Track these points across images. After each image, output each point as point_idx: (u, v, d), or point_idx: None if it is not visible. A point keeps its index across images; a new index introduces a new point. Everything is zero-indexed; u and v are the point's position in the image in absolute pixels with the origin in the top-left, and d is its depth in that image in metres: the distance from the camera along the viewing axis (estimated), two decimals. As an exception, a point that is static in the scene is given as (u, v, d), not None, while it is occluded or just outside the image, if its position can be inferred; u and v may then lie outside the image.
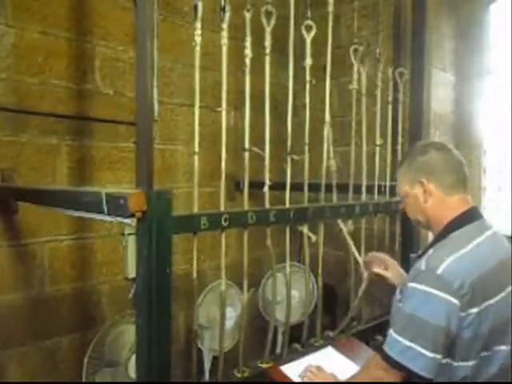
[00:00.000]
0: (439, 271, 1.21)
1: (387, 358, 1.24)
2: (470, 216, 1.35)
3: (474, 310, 1.22)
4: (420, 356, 1.19)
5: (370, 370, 1.34)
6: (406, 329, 1.23)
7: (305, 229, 1.80)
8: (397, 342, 1.23)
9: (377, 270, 1.69)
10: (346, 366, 1.69)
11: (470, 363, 1.25)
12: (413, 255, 1.58)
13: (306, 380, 1.52)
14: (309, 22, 1.72)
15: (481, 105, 2.68)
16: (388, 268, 1.68)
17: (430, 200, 1.37)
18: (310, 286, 2.29)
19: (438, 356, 1.21)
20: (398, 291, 1.39)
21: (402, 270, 1.68)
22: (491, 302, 1.25)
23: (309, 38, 1.73)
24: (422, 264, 1.27)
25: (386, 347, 1.26)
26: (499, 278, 1.30)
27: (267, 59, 1.62)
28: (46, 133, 2.03)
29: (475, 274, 1.23)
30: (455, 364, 1.25)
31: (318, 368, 1.53)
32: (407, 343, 1.21)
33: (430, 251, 1.32)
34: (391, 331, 1.26)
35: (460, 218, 1.34)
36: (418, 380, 1.21)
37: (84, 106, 2.15)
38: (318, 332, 1.94)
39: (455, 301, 1.19)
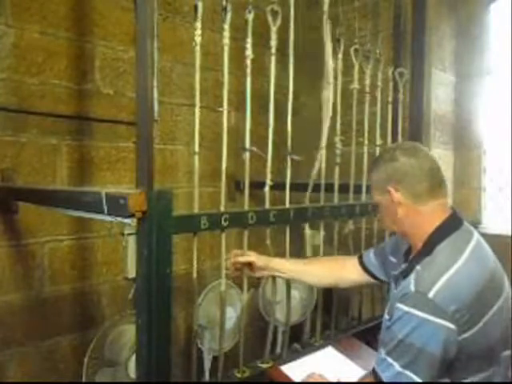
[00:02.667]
0: (431, 295, 1.13)
1: (379, 381, 1.18)
2: (452, 224, 1.26)
3: (473, 331, 1.14)
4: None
5: None
6: (398, 353, 1.16)
7: (307, 229, 1.80)
8: (388, 365, 1.17)
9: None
10: (346, 366, 1.69)
11: (472, 379, 1.18)
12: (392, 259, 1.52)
13: None
14: (274, 6, 1.56)
15: (481, 105, 2.68)
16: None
17: (399, 210, 1.27)
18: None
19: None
20: (386, 309, 1.31)
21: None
22: (490, 314, 1.17)
23: (275, 27, 1.60)
24: (410, 284, 1.19)
25: (378, 369, 1.20)
26: (492, 290, 1.22)
27: (273, 59, 1.61)
28: (45, 133, 2.03)
29: (470, 293, 1.15)
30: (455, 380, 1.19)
31: (321, 376, 1.48)
32: (399, 369, 1.14)
33: (418, 268, 1.22)
34: (383, 352, 1.20)
35: (441, 229, 1.25)
36: None
37: (84, 106, 2.15)
38: (318, 332, 1.94)
39: (452, 326, 1.12)
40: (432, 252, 1.23)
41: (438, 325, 1.12)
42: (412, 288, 1.17)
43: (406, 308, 1.16)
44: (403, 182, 1.26)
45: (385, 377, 1.17)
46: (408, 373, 1.13)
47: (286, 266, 1.66)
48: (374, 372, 1.22)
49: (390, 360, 1.17)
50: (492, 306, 1.19)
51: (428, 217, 1.26)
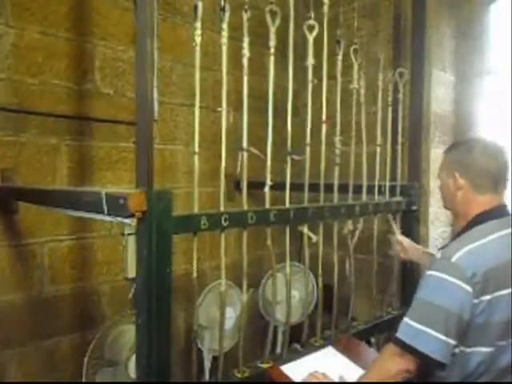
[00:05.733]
0: (453, 259, 1.26)
1: (400, 344, 1.26)
2: (495, 213, 1.39)
3: (486, 298, 1.25)
4: (433, 339, 1.21)
5: (383, 359, 1.34)
6: (419, 314, 1.26)
7: (305, 229, 1.80)
8: (409, 326, 1.26)
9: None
10: (346, 365, 1.69)
11: (485, 350, 1.27)
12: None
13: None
14: (311, 21, 1.72)
15: (481, 105, 2.68)
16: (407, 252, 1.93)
17: (459, 193, 1.42)
18: (310, 285, 2.29)
19: (451, 341, 1.22)
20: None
21: (421, 248, 1.92)
22: (503, 292, 1.28)
23: (311, 37, 1.74)
24: (439, 253, 1.34)
25: (398, 334, 1.28)
26: (507, 274, 1.30)
27: (271, 59, 1.61)
28: (45, 133, 2.03)
29: (488, 264, 1.26)
30: (468, 350, 1.27)
31: (324, 374, 1.49)
32: (420, 327, 1.23)
33: (452, 243, 1.38)
34: (404, 318, 1.29)
35: (484, 214, 1.38)
36: (432, 364, 1.23)
37: (84, 106, 2.15)
38: (318, 332, 1.94)
39: (468, 288, 1.23)
40: (468, 230, 1.38)
41: (457, 285, 1.23)
42: (439, 256, 1.33)
43: (430, 272, 1.29)
44: (469, 173, 1.41)
45: (406, 337, 1.25)
46: (429, 330, 1.22)
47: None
48: (394, 338, 1.29)
49: (410, 321, 1.26)
50: (507, 287, 1.29)
51: (480, 204, 1.40)
